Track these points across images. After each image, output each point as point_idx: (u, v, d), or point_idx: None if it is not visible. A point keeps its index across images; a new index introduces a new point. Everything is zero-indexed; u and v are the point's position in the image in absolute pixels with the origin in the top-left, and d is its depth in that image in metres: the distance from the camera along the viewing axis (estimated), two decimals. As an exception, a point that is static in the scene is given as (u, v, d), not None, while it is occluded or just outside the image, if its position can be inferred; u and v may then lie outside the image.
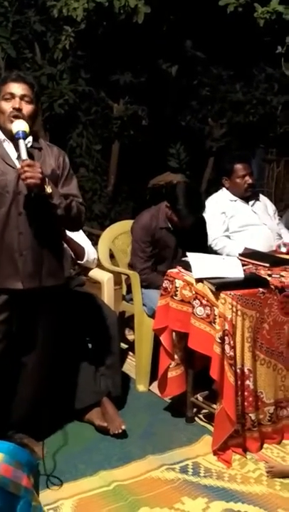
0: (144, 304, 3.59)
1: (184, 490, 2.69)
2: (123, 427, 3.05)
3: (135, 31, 5.47)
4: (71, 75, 5.87)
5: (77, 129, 6.19)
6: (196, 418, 3.28)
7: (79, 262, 3.53)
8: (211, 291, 2.96)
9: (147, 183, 6.63)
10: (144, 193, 6.67)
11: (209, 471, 2.84)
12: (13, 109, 2.55)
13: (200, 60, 6.40)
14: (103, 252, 3.84)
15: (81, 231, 3.40)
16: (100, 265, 3.76)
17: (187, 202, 3.47)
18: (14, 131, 2.51)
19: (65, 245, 3.29)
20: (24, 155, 2.46)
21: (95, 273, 3.74)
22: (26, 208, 2.55)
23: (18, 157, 2.51)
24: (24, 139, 2.50)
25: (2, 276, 2.58)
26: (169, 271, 3.23)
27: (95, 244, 3.78)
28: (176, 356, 3.22)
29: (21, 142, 2.49)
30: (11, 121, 2.54)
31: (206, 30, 6.02)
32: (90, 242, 3.65)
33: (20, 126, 2.52)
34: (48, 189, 2.50)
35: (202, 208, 3.59)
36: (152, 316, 3.45)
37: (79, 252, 3.50)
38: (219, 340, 2.85)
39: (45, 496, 2.52)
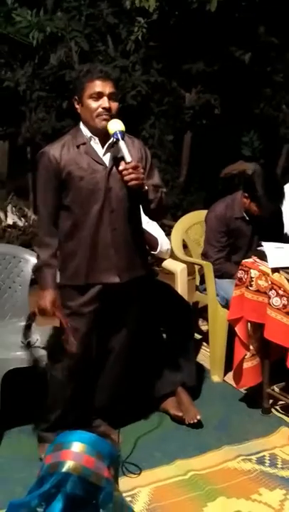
0: (217, 295, 3.57)
1: (261, 481, 2.67)
2: (198, 417, 3.06)
3: (207, 19, 5.41)
4: (143, 66, 5.86)
5: (150, 120, 6.19)
6: (273, 409, 3.25)
7: (152, 252, 3.54)
8: (288, 280, 2.91)
9: (220, 173, 6.57)
10: (216, 182, 6.61)
11: (287, 463, 2.81)
12: (103, 109, 2.54)
13: (274, 46, 6.26)
14: (176, 243, 3.85)
15: (155, 222, 3.41)
16: (173, 256, 3.77)
17: (267, 189, 3.39)
18: (112, 131, 2.51)
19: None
20: (128, 157, 2.47)
21: (169, 263, 3.75)
22: (117, 204, 2.60)
23: (114, 157, 2.55)
24: (123, 139, 2.50)
25: (96, 271, 2.64)
26: (243, 261, 3.19)
27: (167, 234, 3.78)
28: (251, 347, 3.19)
29: (122, 144, 2.49)
30: (103, 120, 2.54)
31: (280, 14, 5.88)
32: (163, 233, 3.66)
33: (116, 126, 2.51)
34: (146, 186, 2.54)
35: (282, 195, 3.48)
36: (226, 306, 3.43)
37: (153, 242, 3.52)
38: (296, 331, 2.80)
39: (122, 483, 2.54)
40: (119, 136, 2.50)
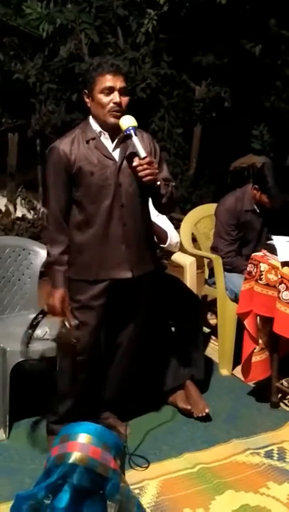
0: (226, 288, 3.57)
1: (270, 475, 2.67)
2: (207, 410, 3.06)
3: (218, 12, 5.38)
4: (153, 59, 5.83)
5: (159, 113, 6.16)
6: (281, 403, 3.25)
7: (162, 245, 3.53)
8: (298, 275, 2.90)
9: (229, 166, 6.54)
10: (226, 176, 6.59)
11: (295, 457, 2.81)
12: (114, 104, 2.52)
13: (285, 39, 6.21)
14: (186, 236, 3.84)
15: (164, 215, 3.41)
16: (182, 249, 3.76)
17: (277, 181, 3.38)
18: (124, 127, 2.49)
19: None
20: (142, 153, 2.47)
21: (178, 257, 3.75)
22: (128, 199, 2.59)
23: (123, 153, 2.55)
24: (136, 134, 2.49)
25: (107, 266, 2.63)
26: (253, 254, 3.19)
27: (176, 228, 3.77)
28: (260, 341, 3.19)
29: (136, 139, 2.48)
30: (114, 116, 2.52)
31: (291, 7, 5.85)
32: (172, 226, 3.65)
33: (129, 121, 2.50)
34: (158, 181, 2.54)
35: None
36: (235, 300, 3.42)
37: (162, 235, 3.50)
38: (306, 326, 2.80)
39: (131, 476, 2.56)
40: (132, 132, 2.48)
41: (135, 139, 2.48)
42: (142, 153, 2.47)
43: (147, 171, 2.46)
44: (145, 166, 2.46)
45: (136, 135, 2.49)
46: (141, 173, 2.47)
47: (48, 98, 5.91)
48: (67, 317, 2.64)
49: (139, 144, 2.48)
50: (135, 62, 5.76)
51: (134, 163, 2.49)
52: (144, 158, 2.46)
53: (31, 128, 5.98)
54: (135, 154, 2.51)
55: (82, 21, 5.54)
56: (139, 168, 2.46)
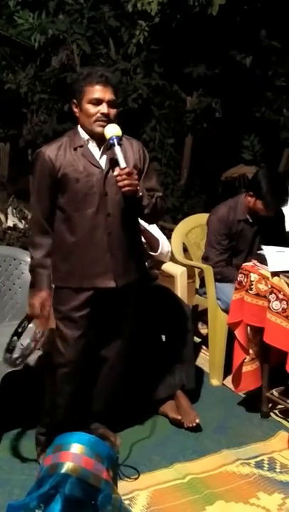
0: (217, 298, 3.57)
1: (260, 485, 2.66)
2: (197, 421, 3.05)
3: (209, 23, 5.42)
4: (145, 70, 5.87)
5: (151, 123, 6.20)
6: (272, 413, 3.24)
7: (152, 253, 3.54)
8: (288, 284, 2.91)
9: (220, 176, 6.58)
10: (216, 186, 6.62)
11: (285, 467, 2.80)
12: (102, 114, 2.52)
13: (275, 50, 6.27)
14: (177, 246, 3.85)
15: (154, 224, 3.41)
16: (173, 259, 3.77)
17: (272, 187, 3.39)
18: (108, 136, 2.49)
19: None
20: (123, 163, 2.46)
21: (169, 267, 3.75)
22: (114, 208, 2.58)
23: (110, 160, 2.54)
24: (119, 144, 2.49)
25: (90, 275, 2.62)
26: (243, 264, 3.20)
27: (168, 238, 3.78)
28: (251, 351, 3.19)
29: (118, 149, 2.47)
30: (100, 126, 2.53)
31: (282, 18, 5.90)
32: (163, 235, 3.66)
33: (113, 130, 2.50)
34: (140, 192, 2.53)
35: (287, 194, 3.44)
36: (226, 310, 3.43)
37: (154, 243, 3.52)
38: (296, 336, 2.80)
39: (121, 486, 2.54)
40: (115, 141, 2.48)
41: (117, 148, 2.48)
42: (122, 164, 2.46)
43: (126, 182, 2.45)
44: (124, 177, 2.44)
45: (119, 144, 2.49)
46: (120, 184, 2.46)
47: (39, 108, 5.93)
48: (46, 319, 2.62)
49: (120, 154, 2.47)
50: (127, 72, 5.80)
51: (115, 173, 2.49)
52: (124, 168, 2.45)
53: (23, 138, 6.00)
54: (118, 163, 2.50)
55: (74, 32, 5.58)
56: (118, 178, 2.46)
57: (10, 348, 2.64)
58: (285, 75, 6.36)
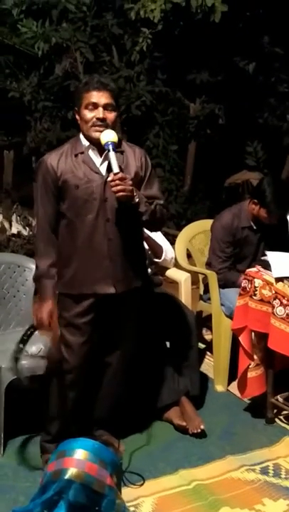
0: (221, 304, 3.57)
1: (265, 491, 2.66)
2: (202, 427, 3.05)
3: (211, 30, 5.44)
4: (148, 77, 5.90)
5: (154, 130, 6.22)
6: (277, 419, 3.24)
7: (156, 260, 3.55)
8: (292, 290, 2.91)
9: (224, 182, 6.59)
10: (220, 192, 6.63)
11: (291, 474, 2.80)
12: (97, 119, 2.54)
13: (278, 57, 6.29)
14: (181, 252, 3.85)
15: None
16: (177, 265, 3.77)
17: (276, 196, 3.39)
18: (103, 141, 2.51)
19: (144, 243, 3.32)
20: (116, 168, 2.47)
21: (173, 273, 3.76)
22: (114, 214, 2.59)
23: (108, 166, 2.54)
24: (114, 150, 2.50)
25: (91, 281, 2.63)
26: (247, 270, 3.20)
27: (171, 244, 3.79)
28: (255, 356, 3.19)
29: (112, 154, 2.48)
30: (96, 131, 2.54)
31: (284, 25, 5.91)
32: (167, 242, 3.67)
33: (109, 136, 2.51)
34: (136, 198, 2.53)
35: None
36: (230, 315, 3.42)
37: (157, 250, 3.52)
38: (300, 341, 2.80)
39: (126, 493, 2.54)
40: (110, 147, 2.50)
41: (111, 154, 2.49)
42: (115, 169, 2.47)
43: (119, 187, 2.45)
44: (117, 182, 2.45)
45: (114, 150, 2.50)
46: (113, 189, 2.47)
47: (43, 116, 5.96)
48: (54, 331, 2.63)
49: (114, 159, 2.48)
50: (130, 80, 5.82)
51: (108, 179, 2.50)
52: (117, 173, 2.46)
53: (27, 145, 6.03)
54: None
55: (78, 40, 5.61)
56: (112, 183, 2.47)
57: (16, 357, 2.65)
58: (288, 81, 6.38)
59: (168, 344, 3.35)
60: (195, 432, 3.05)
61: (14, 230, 5.76)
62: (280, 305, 2.96)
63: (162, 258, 3.54)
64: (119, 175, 2.46)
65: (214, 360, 3.65)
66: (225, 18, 5.06)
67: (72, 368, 2.69)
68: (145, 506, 2.56)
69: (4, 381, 2.87)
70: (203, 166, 6.54)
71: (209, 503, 2.57)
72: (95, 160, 2.61)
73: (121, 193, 2.47)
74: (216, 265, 3.59)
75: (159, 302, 3.32)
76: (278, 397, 3.22)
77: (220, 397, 3.51)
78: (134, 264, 2.70)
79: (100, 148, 2.58)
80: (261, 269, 3.14)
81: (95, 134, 2.55)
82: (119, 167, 2.50)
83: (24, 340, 2.65)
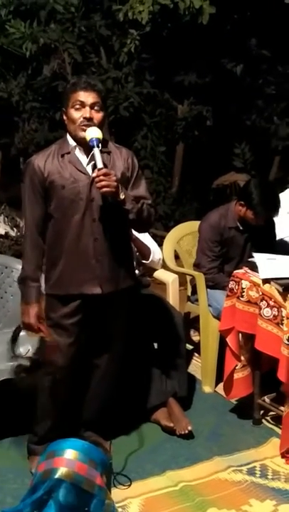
0: (209, 305, 3.58)
1: (252, 492, 2.67)
2: (189, 428, 3.05)
3: (199, 31, 5.46)
4: (136, 78, 5.90)
5: (142, 131, 6.23)
6: (264, 420, 3.25)
7: (144, 261, 3.55)
8: (278, 291, 2.93)
9: (212, 184, 6.60)
10: (208, 193, 6.65)
11: (277, 474, 2.80)
12: (84, 118, 2.54)
13: (265, 59, 6.32)
14: (168, 253, 3.86)
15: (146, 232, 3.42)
16: (164, 266, 3.78)
17: (263, 198, 3.39)
18: (88, 138, 2.51)
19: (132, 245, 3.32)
20: (100, 163, 2.47)
21: (160, 274, 3.76)
22: (100, 214, 2.59)
23: (93, 165, 2.54)
24: (98, 146, 2.50)
25: (77, 281, 2.62)
26: (235, 271, 3.21)
27: (159, 245, 3.79)
28: (242, 357, 3.20)
29: (96, 150, 2.48)
30: (83, 130, 2.54)
31: (272, 27, 5.94)
32: (155, 243, 3.67)
33: (93, 133, 2.52)
34: (122, 195, 2.52)
35: (278, 204, 3.45)
36: (218, 316, 3.44)
37: (145, 251, 3.53)
38: (287, 342, 2.82)
39: (113, 494, 2.54)
40: (95, 143, 2.50)
41: (96, 150, 2.49)
42: (99, 164, 2.47)
43: (103, 183, 2.45)
44: (101, 178, 2.45)
45: (98, 147, 2.50)
46: (97, 185, 2.46)
47: (31, 116, 5.95)
48: (44, 333, 2.63)
49: (98, 155, 2.48)
50: (118, 81, 5.82)
51: (93, 175, 2.51)
52: (101, 169, 2.46)
53: (14, 146, 6.01)
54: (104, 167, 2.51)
55: (66, 41, 5.60)
56: (96, 179, 2.46)
57: (12, 356, 2.65)
58: (275, 83, 6.41)
59: (156, 345, 3.36)
60: (182, 433, 3.05)
61: (2, 231, 5.73)
62: (266, 306, 2.97)
63: (150, 259, 3.55)
64: (103, 170, 2.46)
65: (202, 361, 3.66)
66: (213, 20, 5.07)
67: (59, 368, 2.68)
68: (132, 507, 2.56)
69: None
70: (191, 168, 6.56)
71: (196, 504, 2.58)
72: (82, 160, 2.61)
73: (105, 189, 2.46)
74: (206, 265, 3.59)
75: (147, 303, 3.32)
76: (265, 398, 3.24)
77: (207, 398, 3.52)
78: (121, 264, 2.69)
79: (87, 149, 2.58)
80: (248, 271, 3.15)
81: (82, 134, 2.55)
82: (104, 164, 2.50)
83: (14, 339, 2.65)
